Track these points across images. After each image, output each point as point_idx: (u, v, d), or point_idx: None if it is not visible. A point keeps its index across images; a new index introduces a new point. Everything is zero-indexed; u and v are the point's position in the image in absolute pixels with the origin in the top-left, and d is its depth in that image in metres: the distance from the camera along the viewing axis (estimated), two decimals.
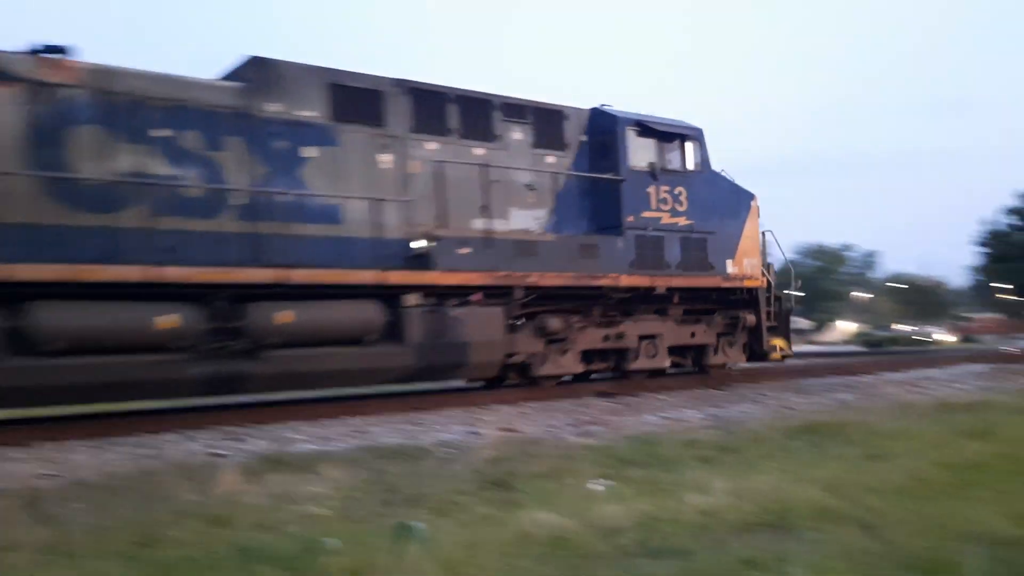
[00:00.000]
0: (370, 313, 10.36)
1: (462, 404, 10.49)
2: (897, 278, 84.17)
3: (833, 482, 5.21)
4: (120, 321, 8.81)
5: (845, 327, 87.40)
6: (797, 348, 16.51)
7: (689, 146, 13.71)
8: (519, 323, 11.75)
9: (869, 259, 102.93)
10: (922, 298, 75.49)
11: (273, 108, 10.18)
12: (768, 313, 14.57)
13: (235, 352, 9.49)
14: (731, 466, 5.91)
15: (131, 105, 9.29)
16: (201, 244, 9.47)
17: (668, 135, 13.50)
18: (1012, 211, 51.58)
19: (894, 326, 74.71)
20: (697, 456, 6.49)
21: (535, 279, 11.63)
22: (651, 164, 13.12)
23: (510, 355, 11.77)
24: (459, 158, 11.53)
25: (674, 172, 13.47)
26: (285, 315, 9.66)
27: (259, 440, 8.11)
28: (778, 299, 15.02)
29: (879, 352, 33.24)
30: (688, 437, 7.27)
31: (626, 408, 10.47)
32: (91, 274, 8.58)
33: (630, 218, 12.83)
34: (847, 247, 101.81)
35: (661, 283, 12.99)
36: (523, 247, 11.67)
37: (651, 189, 13.12)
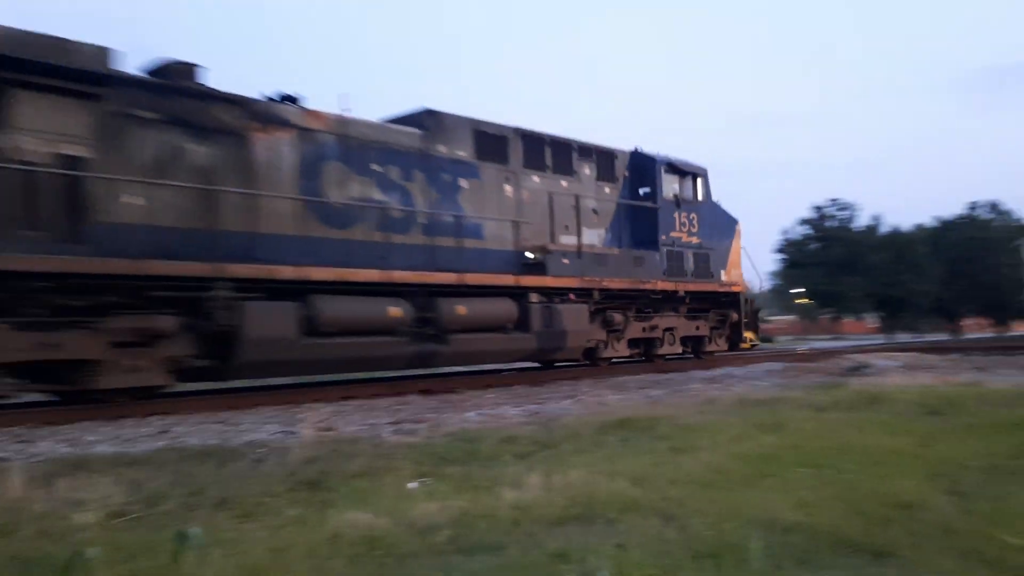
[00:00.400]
0: (510, 307, 13.74)
1: (278, 403, 10.16)
2: None
3: (640, 475, 5.44)
4: (369, 311, 11.70)
5: None
6: None
7: (699, 181, 17.97)
8: (594, 317, 15.35)
9: None
10: None
11: (441, 149, 13.47)
12: (743, 312, 18.98)
13: (429, 335, 12.51)
14: (547, 461, 6.04)
15: (359, 146, 12.29)
16: (400, 253, 12.47)
17: (686, 172, 17.58)
18: (805, 221, 56.06)
19: None
20: (515, 452, 6.59)
21: (607, 283, 15.37)
22: (675, 195, 17.32)
23: (588, 341, 15.34)
24: (554, 189, 15.19)
25: (689, 201, 17.67)
26: (461, 308, 12.83)
27: (49, 442, 7.50)
28: (748, 301, 19.41)
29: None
30: (507, 434, 7.36)
31: (447, 405, 10.50)
32: (351, 275, 11.53)
33: (663, 237, 16.95)
34: None
35: (682, 287, 17.13)
36: (597, 258, 15.41)
37: (676, 215, 17.32)
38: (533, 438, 7.23)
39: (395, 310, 11.96)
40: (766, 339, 60.92)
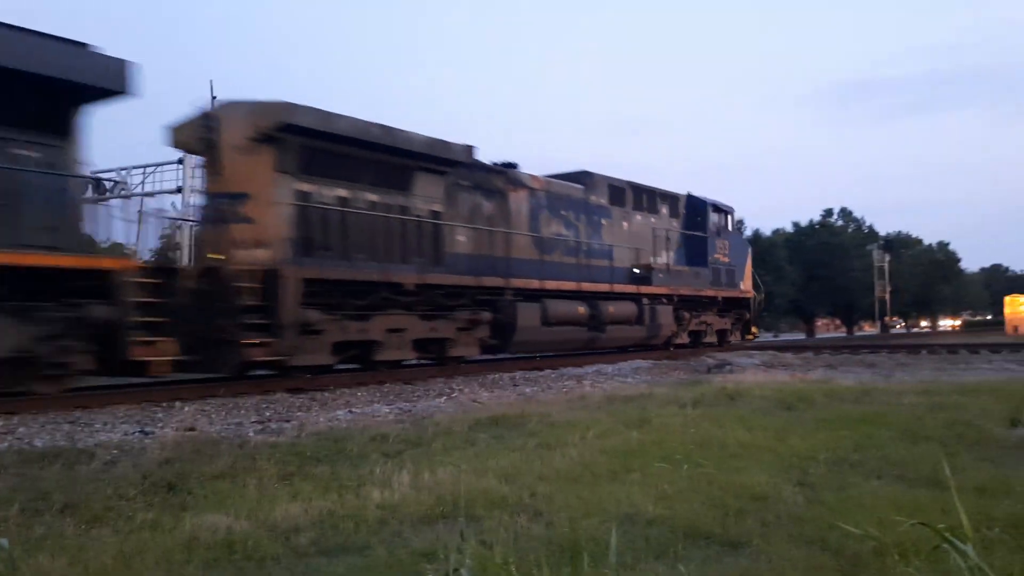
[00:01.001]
0: (633, 307, 19.54)
1: (136, 402, 9.66)
2: None
3: (510, 471, 5.48)
4: (571, 309, 17.37)
5: None
6: None
7: (728, 217, 24.88)
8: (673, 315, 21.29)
9: None
10: None
11: (592, 198, 19.40)
12: (752, 311, 25.87)
13: (596, 327, 18.17)
14: (417, 460, 5.99)
15: (555, 199, 18.11)
16: (576, 270, 18.14)
17: (722, 210, 24.11)
18: None
19: None
20: (384, 451, 6.51)
21: (682, 291, 21.48)
22: (717, 227, 23.65)
23: (671, 331, 21.33)
24: (648, 224, 21.26)
25: (723, 231, 24.23)
26: (611, 308, 18.62)
27: None
28: (758, 302, 26.23)
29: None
30: (377, 432, 7.26)
31: (316, 403, 10.28)
32: (562, 286, 17.34)
33: (710, 258, 23.09)
34: None
35: (720, 294, 23.63)
36: (675, 274, 21.54)
37: (716, 241, 23.49)
38: (404, 436, 7.16)
39: (582, 308, 17.85)
40: None
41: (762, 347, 24.18)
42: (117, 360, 9.87)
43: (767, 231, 61.34)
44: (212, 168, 12.11)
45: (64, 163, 9.96)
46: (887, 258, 58.67)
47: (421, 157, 14.14)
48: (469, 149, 15.32)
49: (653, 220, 21.46)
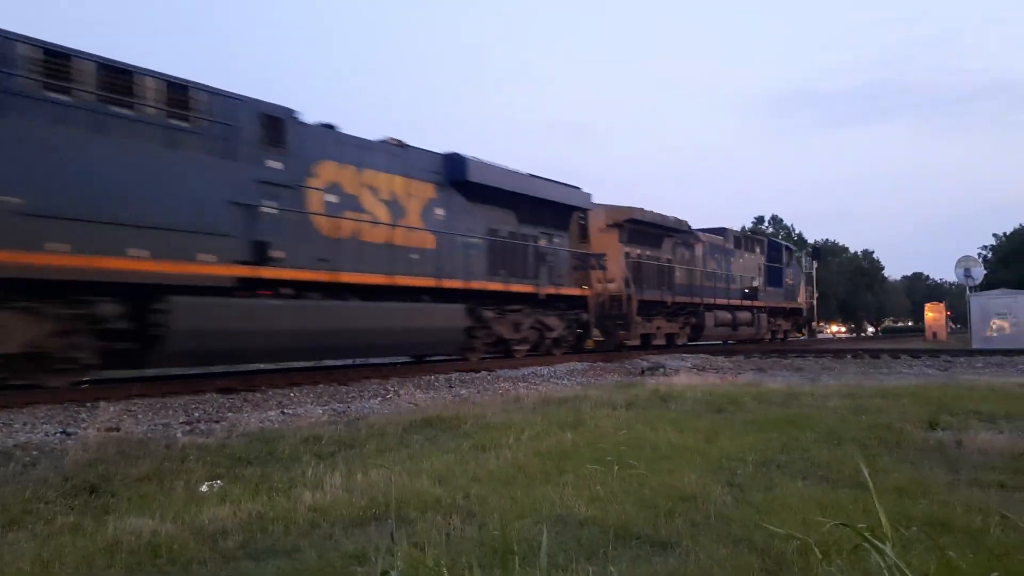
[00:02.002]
0: (750, 315, 29.13)
1: (59, 401, 9.33)
2: None
3: (444, 473, 5.46)
4: (725, 316, 28.00)
5: None
6: None
7: (791, 253, 34.41)
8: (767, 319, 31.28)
9: None
10: None
11: (727, 245, 28.55)
12: (804, 317, 36.17)
13: (734, 327, 28.22)
14: (349, 461, 5.93)
15: (713, 248, 27.63)
16: (722, 292, 27.35)
17: (789, 249, 34.27)
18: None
19: None
20: (316, 452, 6.43)
21: (770, 304, 31.15)
22: (786, 260, 33.05)
23: (766, 330, 31.38)
24: (749, 259, 30.12)
25: (789, 263, 33.67)
26: (740, 315, 28.41)
27: None
28: (810, 310, 36.50)
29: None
30: (309, 433, 7.16)
31: (247, 404, 10.08)
32: (725, 303, 27.75)
33: (783, 282, 32.62)
34: None
35: (789, 306, 33.55)
36: (765, 292, 30.52)
37: (785, 270, 32.96)
38: (337, 438, 7.08)
39: (729, 315, 27.57)
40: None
41: (695, 351, 24.58)
42: (581, 342, 20.22)
43: None
44: (583, 239, 20.55)
45: (562, 244, 19.29)
46: (815, 265, 60.40)
47: (671, 231, 24.80)
48: (682, 223, 25.46)
49: (753, 257, 30.72)
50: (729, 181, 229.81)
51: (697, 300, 25.56)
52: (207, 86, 11.09)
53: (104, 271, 9.48)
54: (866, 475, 3.42)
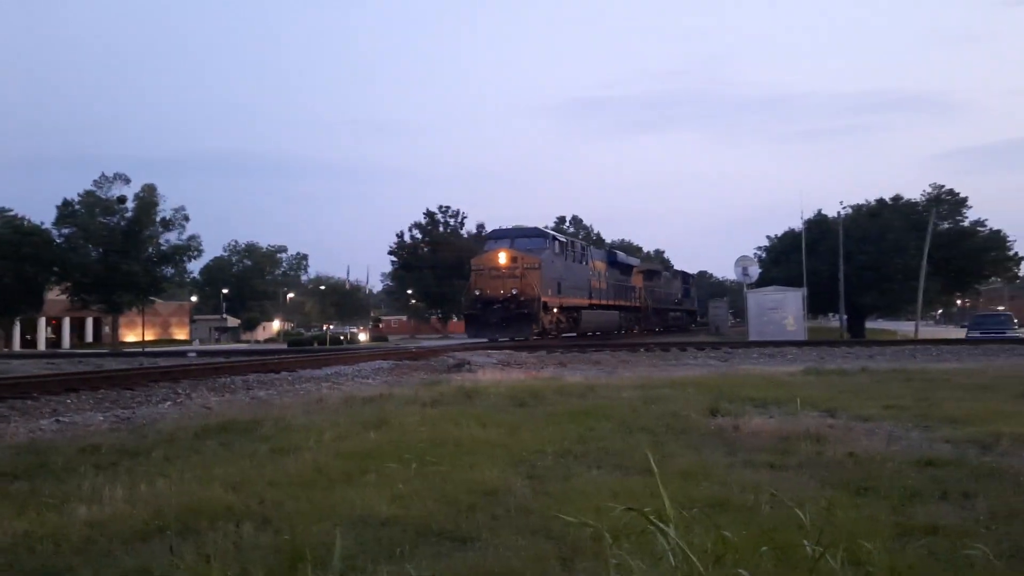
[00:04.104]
0: (680, 312, 59.85)
1: None
2: (324, 280, 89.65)
3: (238, 479, 5.21)
4: (676, 313, 57.39)
5: (273, 326, 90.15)
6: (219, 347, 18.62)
7: (691, 277, 66.88)
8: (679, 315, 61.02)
9: (299, 261, 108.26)
10: (344, 299, 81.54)
11: (667, 275, 57.41)
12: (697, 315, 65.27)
13: (681, 316, 60.55)
14: (133, 471, 5.53)
15: (657, 276, 53.46)
16: (672, 304, 58.34)
17: (690, 276, 66.20)
18: (417, 226, 58.76)
19: (319, 326, 79.49)
20: (96, 463, 5.95)
21: (684, 307, 61.12)
22: (689, 283, 64.26)
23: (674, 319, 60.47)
24: (674, 283, 58.33)
25: (687, 282, 62.69)
26: (674, 313, 58.38)
27: None
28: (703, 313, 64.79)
29: (303, 350, 34.92)
30: (88, 443, 6.63)
31: (15, 412, 9.17)
32: (667, 307, 58.00)
33: (689, 295, 62.46)
34: (279, 248, 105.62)
35: (690, 308, 62.20)
36: (682, 300, 59.66)
37: (690, 289, 63.16)
38: (120, 446, 6.59)
39: (678, 313, 58.69)
40: (380, 338, 63.11)
41: (500, 347, 25.07)
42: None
43: None
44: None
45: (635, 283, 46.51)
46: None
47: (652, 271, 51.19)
48: (656, 261, 63.53)
49: (677, 282, 56.33)
50: (532, 182, 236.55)
51: (661, 307, 50.53)
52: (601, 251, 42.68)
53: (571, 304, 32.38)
54: (653, 462, 3.61)
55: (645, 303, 44.47)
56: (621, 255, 43.82)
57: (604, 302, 35.92)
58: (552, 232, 32.97)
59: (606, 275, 36.97)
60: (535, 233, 31.53)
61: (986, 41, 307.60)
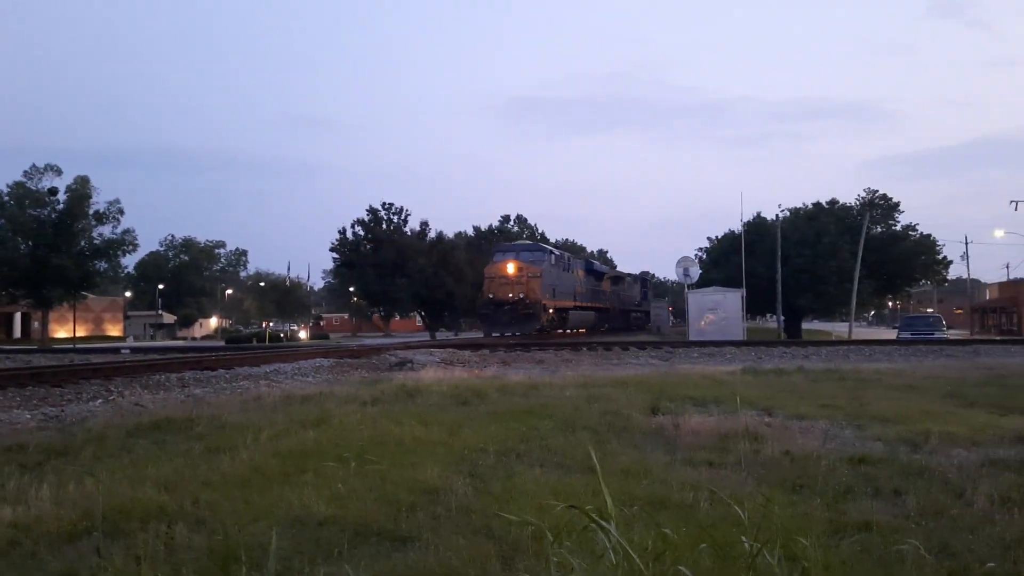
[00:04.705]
0: (641, 313, 65.29)
1: None
2: (263, 277, 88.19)
3: (171, 479, 5.08)
4: (637, 314, 62.74)
5: (211, 323, 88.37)
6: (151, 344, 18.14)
7: (648, 283, 70.98)
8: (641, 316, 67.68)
9: (238, 257, 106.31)
10: (284, 297, 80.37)
11: (630, 280, 64.71)
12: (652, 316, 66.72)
13: (639, 317, 65.94)
14: (60, 471, 5.34)
15: (622, 281, 60.70)
16: (634, 305, 63.98)
17: (648, 280, 71.52)
18: (360, 223, 58.11)
19: (258, 323, 78.17)
20: (21, 463, 5.74)
21: (643, 307, 65.47)
22: (647, 284, 68.74)
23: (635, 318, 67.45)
24: (635, 286, 64.03)
25: (646, 285, 68.34)
26: (635, 313, 63.38)
27: None
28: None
29: (241, 348, 34.28)
30: (12, 442, 6.39)
31: None
32: (631, 308, 65.86)
33: (647, 297, 67.60)
34: (217, 244, 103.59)
35: (646, 308, 65.82)
36: (641, 302, 64.77)
37: (645, 291, 65.89)
38: (47, 445, 6.37)
39: (638, 314, 62.76)
40: (321, 336, 62.30)
41: (443, 345, 24.95)
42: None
43: (450, 233, 63.88)
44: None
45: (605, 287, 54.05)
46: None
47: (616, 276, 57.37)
48: (619, 272, 60.96)
49: (635, 287, 61.05)
50: (476, 181, 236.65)
51: (625, 308, 56.12)
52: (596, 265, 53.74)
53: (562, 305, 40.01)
54: (595, 460, 3.61)
55: (613, 305, 51.64)
56: (596, 264, 53.98)
57: (584, 304, 43.35)
58: (549, 247, 40.77)
59: (585, 281, 44.31)
60: (536, 248, 39.74)
61: (913, 53, 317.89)
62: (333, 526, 4.01)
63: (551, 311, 36.69)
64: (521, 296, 34.31)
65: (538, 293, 34.55)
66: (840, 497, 4.64)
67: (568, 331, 40.17)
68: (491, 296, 35.05)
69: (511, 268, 35.26)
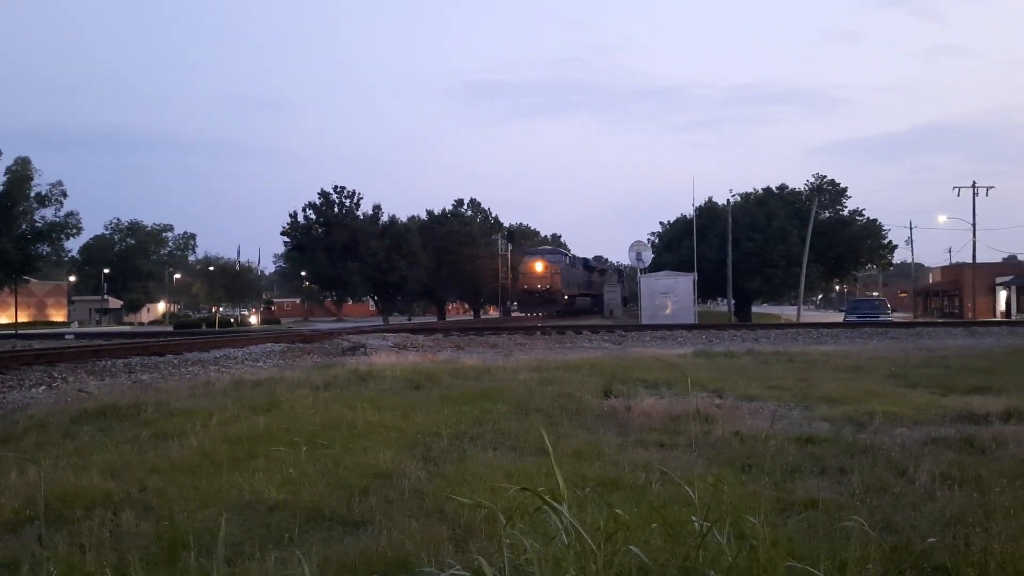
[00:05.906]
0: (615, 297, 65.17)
1: None
2: (212, 261, 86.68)
3: (117, 465, 4.98)
4: (612, 300, 59.82)
5: (159, 308, 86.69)
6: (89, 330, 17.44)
7: (619, 272, 69.22)
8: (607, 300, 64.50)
9: (187, 240, 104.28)
10: (234, 281, 79.15)
11: (602, 269, 72.48)
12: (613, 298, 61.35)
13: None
14: (3, 460, 5.19)
15: (599, 271, 68.79)
16: (599, 288, 66.99)
17: (621, 270, 71.45)
18: (311, 206, 57.39)
19: (208, 308, 76.90)
20: None
21: (616, 295, 63.28)
22: (618, 273, 66.38)
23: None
24: (611, 276, 63.84)
25: (618, 276, 64.95)
26: (609, 297, 59.14)
27: None
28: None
29: (190, 333, 33.69)
30: None
31: None
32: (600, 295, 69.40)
33: (619, 284, 62.77)
34: (165, 227, 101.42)
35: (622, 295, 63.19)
36: (616, 289, 60.11)
37: (615, 277, 63.24)
38: None
39: (615, 298, 59.95)
40: (272, 321, 61.51)
41: (396, 330, 24.82)
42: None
43: (403, 217, 63.45)
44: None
45: (596, 279, 65.82)
46: (510, 247, 63.93)
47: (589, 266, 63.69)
48: (597, 261, 68.32)
49: (613, 276, 59.92)
50: (428, 164, 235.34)
51: (595, 293, 58.91)
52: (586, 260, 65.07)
53: (571, 294, 55.96)
54: (548, 442, 3.62)
55: (599, 293, 60.90)
56: (591, 261, 66.13)
57: (583, 293, 57.33)
58: (564, 251, 61.77)
59: (583, 275, 58.86)
60: (556, 251, 57.56)
61: (859, 39, 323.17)
62: (284, 511, 3.97)
63: (566, 298, 51.19)
64: (548, 287, 48.66)
65: (559, 285, 48.93)
66: (788, 476, 4.73)
67: (573, 312, 52.68)
68: (525, 287, 49.98)
69: (540, 267, 49.20)
